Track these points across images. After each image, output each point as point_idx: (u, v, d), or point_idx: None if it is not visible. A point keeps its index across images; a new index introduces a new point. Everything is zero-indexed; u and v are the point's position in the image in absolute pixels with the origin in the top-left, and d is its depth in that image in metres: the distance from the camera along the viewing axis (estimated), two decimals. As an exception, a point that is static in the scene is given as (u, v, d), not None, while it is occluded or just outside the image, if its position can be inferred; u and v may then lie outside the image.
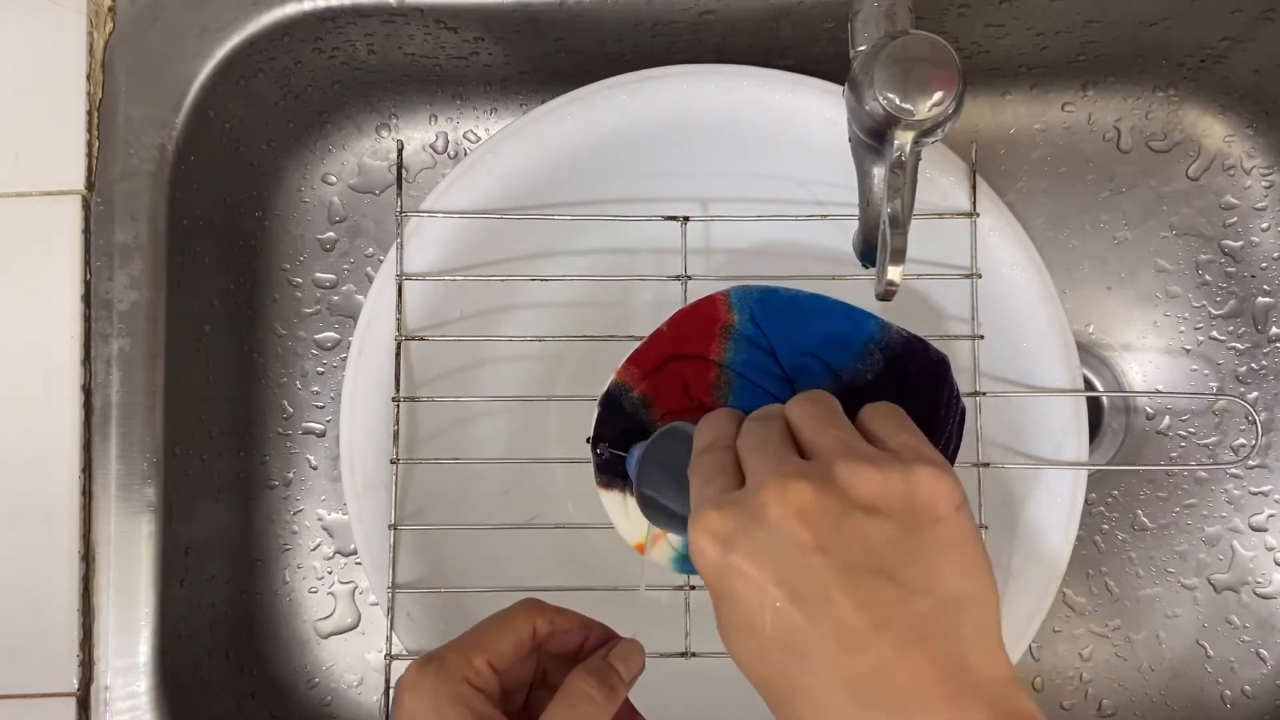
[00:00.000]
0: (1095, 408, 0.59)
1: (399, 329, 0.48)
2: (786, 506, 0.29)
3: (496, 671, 0.36)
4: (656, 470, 0.38)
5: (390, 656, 0.48)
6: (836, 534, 0.29)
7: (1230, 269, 0.59)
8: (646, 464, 0.39)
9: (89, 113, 0.50)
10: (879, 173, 0.40)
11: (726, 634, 0.31)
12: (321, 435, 0.60)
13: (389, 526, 0.48)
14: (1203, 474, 0.59)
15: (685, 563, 0.44)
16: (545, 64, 0.56)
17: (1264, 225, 0.59)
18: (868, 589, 0.28)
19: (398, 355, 0.48)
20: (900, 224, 0.37)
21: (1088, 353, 0.59)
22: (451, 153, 0.61)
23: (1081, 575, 0.59)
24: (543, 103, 0.49)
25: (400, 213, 0.49)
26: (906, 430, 0.32)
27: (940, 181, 0.49)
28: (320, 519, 0.59)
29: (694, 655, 0.46)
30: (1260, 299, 0.59)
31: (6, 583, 0.48)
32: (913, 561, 0.29)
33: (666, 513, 0.38)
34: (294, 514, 0.59)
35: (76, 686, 0.48)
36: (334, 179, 0.61)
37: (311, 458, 0.60)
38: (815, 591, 0.28)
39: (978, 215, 0.48)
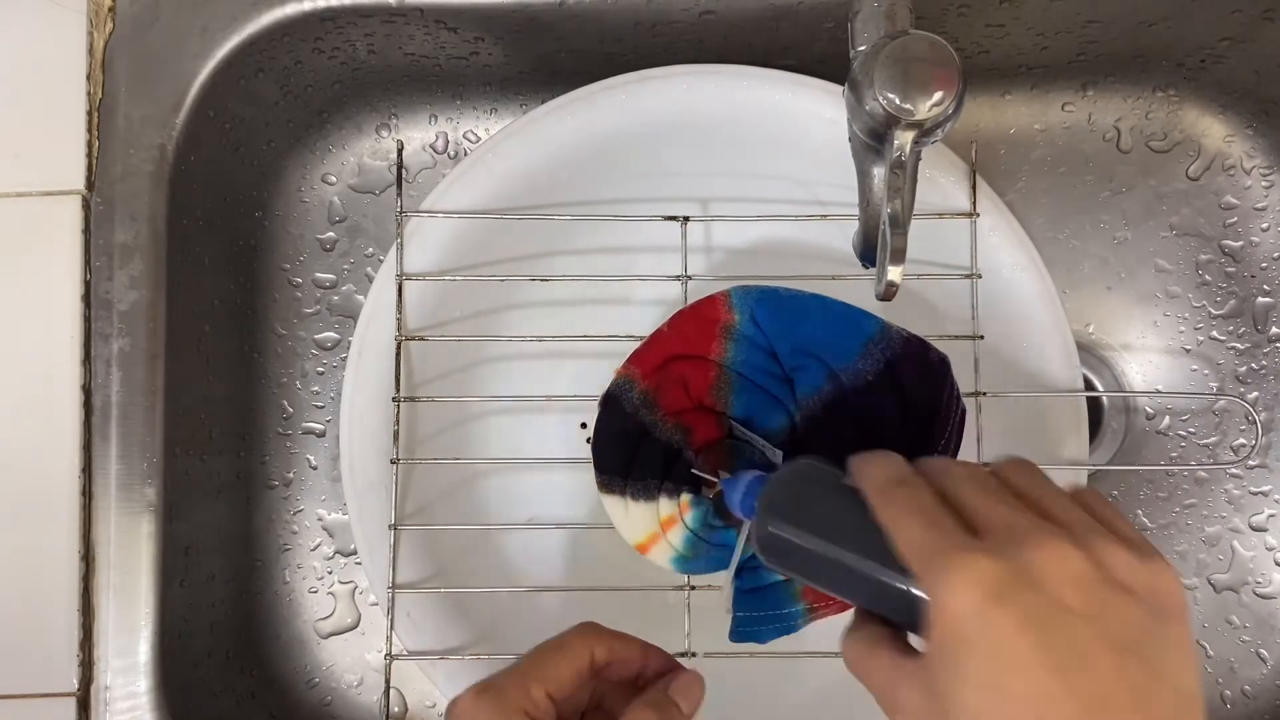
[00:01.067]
0: (1095, 408, 0.59)
1: (399, 329, 0.48)
2: (1062, 569, 0.28)
3: (554, 701, 0.35)
4: (809, 514, 0.34)
5: (390, 656, 0.48)
6: (1102, 605, 0.28)
7: (1230, 269, 0.59)
8: (785, 506, 0.35)
9: (89, 113, 0.50)
10: (879, 173, 0.40)
11: (960, 686, 0.28)
12: (321, 435, 0.60)
13: (389, 526, 0.48)
14: (1203, 474, 0.59)
15: (685, 563, 0.44)
16: (545, 64, 0.56)
17: (1264, 225, 0.59)
18: (1127, 666, 0.28)
19: (398, 355, 0.48)
20: (900, 224, 0.37)
21: (1088, 353, 0.59)
22: (451, 153, 0.61)
23: (1081, 575, 0.58)
24: (543, 103, 0.49)
25: (400, 213, 0.49)
26: (1126, 521, 0.32)
27: (940, 181, 0.49)
28: (320, 519, 0.59)
29: (694, 655, 0.46)
30: (1260, 299, 0.59)
31: (6, 583, 0.48)
32: (1161, 651, 0.29)
33: (831, 566, 0.33)
34: (294, 514, 0.59)
35: (76, 686, 0.48)
36: (334, 179, 0.61)
37: (311, 458, 0.60)
38: (1076, 658, 0.28)
39: (978, 215, 0.48)
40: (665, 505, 0.44)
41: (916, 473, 0.33)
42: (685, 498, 0.44)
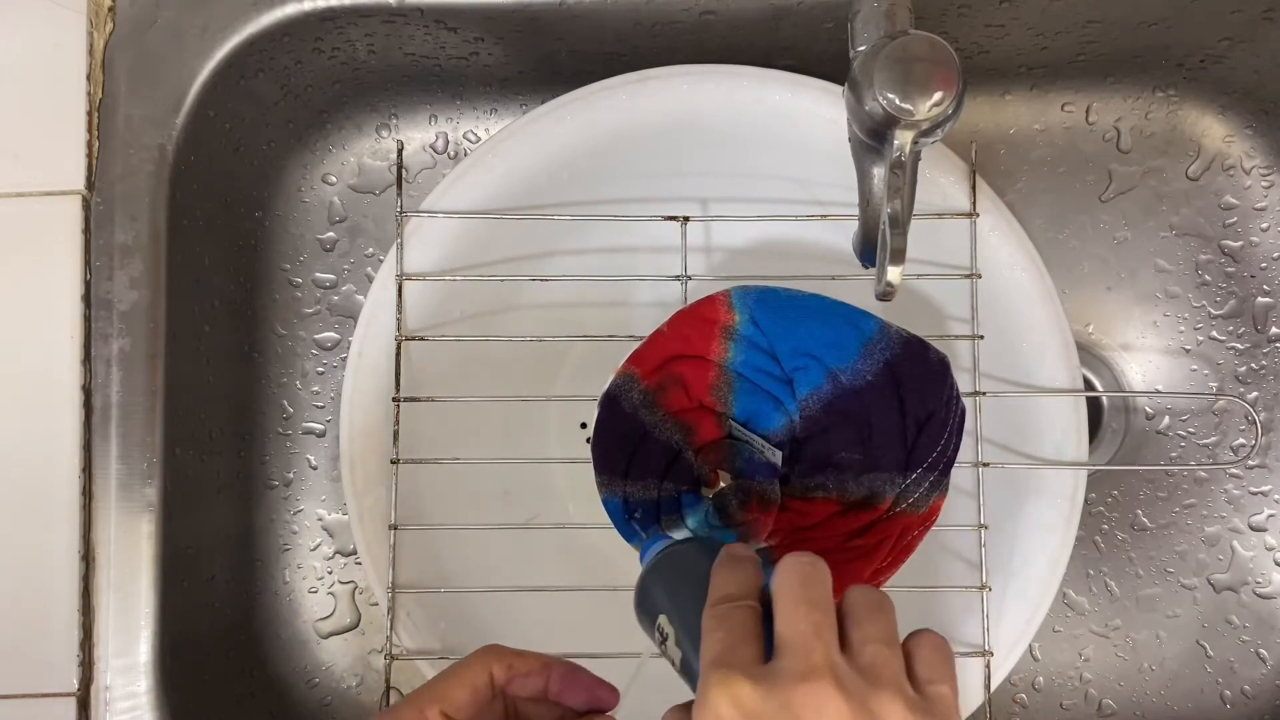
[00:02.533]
0: (1095, 408, 0.59)
1: (399, 329, 0.48)
2: (824, 715, 0.29)
3: None
4: (676, 593, 0.37)
5: (390, 656, 0.48)
6: None
7: (1230, 269, 0.59)
8: (660, 582, 0.38)
9: (89, 113, 0.50)
10: (879, 173, 0.41)
11: None
12: (321, 435, 0.60)
13: (389, 526, 0.48)
14: (1203, 474, 0.59)
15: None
16: (545, 64, 0.56)
17: (1264, 225, 0.59)
18: None
19: (398, 355, 0.48)
20: (900, 224, 0.37)
21: (1088, 353, 0.59)
22: (451, 153, 0.61)
23: (1081, 575, 0.59)
24: (543, 103, 0.49)
25: (400, 213, 0.49)
26: (948, 679, 0.32)
27: (940, 181, 0.49)
28: (320, 519, 0.59)
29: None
30: (1260, 299, 0.59)
31: (6, 583, 0.48)
32: None
33: (672, 641, 0.36)
34: (294, 514, 0.59)
35: (76, 686, 0.48)
36: (334, 179, 0.61)
37: (311, 458, 0.60)
38: None
39: (978, 215, 0.48)
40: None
41: (752, 585, 0.33)
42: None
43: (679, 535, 0.43)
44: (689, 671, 0.34)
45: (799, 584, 0.32)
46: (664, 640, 0.36)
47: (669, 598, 0.37)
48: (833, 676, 0.29)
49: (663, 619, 0.36)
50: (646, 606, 0.37)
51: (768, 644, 0.31)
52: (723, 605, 0.33)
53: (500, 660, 0.38)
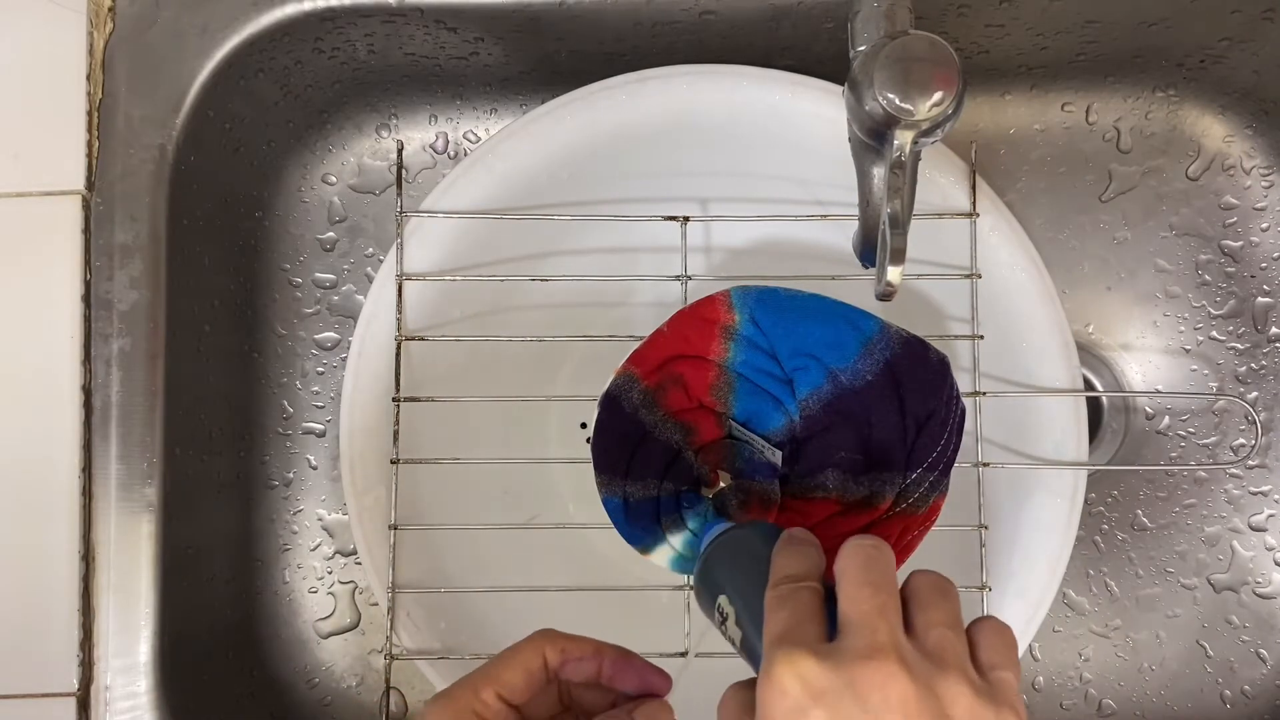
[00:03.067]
0: (1095, 408, 0.59)
1: (399, 329, 0.48)
2: (889, 693, 0.29)
3: (508, 704, 0.37)
4: (737, 574, 0.37)
5: (390, 656, 0.48)
6: None
7: (1230, 269, 0.59)
8: (721, 563, 0.38)
9: (89, 113, 0.50)
10: (879, 173, 0.41)
11: None
12: (321, 435, 0.60)
13: (389, 526, 0.48)
14: (1202, 474, 0.59)
15: (684, 563, 0.44)
16: (545, 64, 0.56)
17: (1264, 225, 0.59)
18: None
19: (398, 355, 0.48)
20: (900, 224, 0.37)
21: (1088, 353, 0.59)
22: (451, 153, 0.61)
23: (1081, 575, 0.59)
24: (543, 103, 0.49)
25: (400, 213, 0.49)
26: (1011, 665, 0.32)
27: (940, 181, 0.49)
28: (320, 519, 0.60)
29: (686, 655, 0.46)
30: (1260, 299, 0.59)
31: (6, 583, 0.48)
32: None
33: (732, 620, 0.36)
34: (294, 514, 0.59)
35: (76, 686, 0.48)
36: (334, 179, 0.61)
37: (311, 458, 0.60)
38: None
39: (978, 215, 0.48)
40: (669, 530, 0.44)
41: (816, 567, 0.34)
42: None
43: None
44: (749, 650, 0.34)
45: (862, 566, 0.32)
46: (724, 620, 0.36)
47: (730, 577, 0.37)
48: (898, 656, 0.29)
49: (723, 599, 0.36)
50: (707, 586, 0.37)
51: (830, 627, 0.31)
52: (786, 585, 0.33)
53: (553, 644, 0.38)
